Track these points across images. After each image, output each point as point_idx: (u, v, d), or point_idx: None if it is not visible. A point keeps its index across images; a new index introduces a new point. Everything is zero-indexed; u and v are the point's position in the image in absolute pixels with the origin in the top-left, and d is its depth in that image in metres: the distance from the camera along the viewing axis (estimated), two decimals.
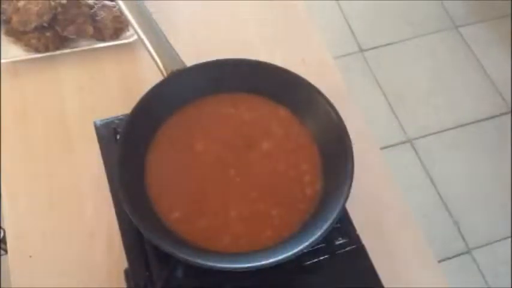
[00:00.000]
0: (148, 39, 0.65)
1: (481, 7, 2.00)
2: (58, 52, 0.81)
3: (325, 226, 0.55)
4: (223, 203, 0.60)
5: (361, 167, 0.60)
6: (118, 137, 0.67)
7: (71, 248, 0.68)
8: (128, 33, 0.84)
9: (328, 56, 0.89)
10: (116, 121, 0.69)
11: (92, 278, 0.66)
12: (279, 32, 0.91)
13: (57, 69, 0.82)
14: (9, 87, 0.80)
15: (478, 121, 1.75)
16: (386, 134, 1.71)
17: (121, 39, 0.84)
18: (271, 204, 0.61)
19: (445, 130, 1.73)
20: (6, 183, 0.72)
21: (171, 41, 0.66)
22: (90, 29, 0.82)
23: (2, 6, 0.81)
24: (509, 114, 1.77)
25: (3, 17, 0.82)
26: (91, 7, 0.83)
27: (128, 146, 0.60)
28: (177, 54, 0.66)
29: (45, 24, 0.80)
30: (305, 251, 0.53)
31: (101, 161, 0.67)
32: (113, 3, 0.84)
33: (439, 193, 1.61)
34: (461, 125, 1.74)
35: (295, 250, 0.53)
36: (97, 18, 0.83)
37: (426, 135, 1.71)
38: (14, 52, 0.80)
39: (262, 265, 0.53)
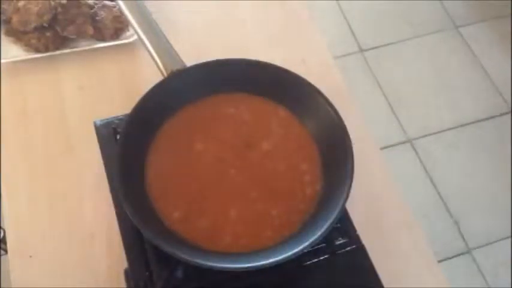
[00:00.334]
0: (148, 39, 0.65)
1: (481, 7, 2.00)
2: (58, 52, 0.81)
3: (325, 226, 0.55)
4: (223, 203, 0.60)
5: (361, 167, 0.60)
6: (118, 137, 0.67)
7: (71, 248, 0.68)
8: (128, 33, 0.84)
9: (328, 56, 0.89)
10: (116, 121, 0.69)
11: (92, 278, 0.66)
12: (279, 32, 0.91)
13: (57, 69, 0.82)
14: (9, 87, 0.80)
15: (478, 121, 1.75)
16: (386, 134, 1.71)
17: (121, 39, 0.84)
18: (271, 204, 0.61)
19: (445, 130, 1.73)
20: (6, 183, 0.72)
21: (171, 41, 0.66)
22: (90, 29, 0.82)
23: (2, 6, 0.81)
24: (509, 114, 1.77)
25: (3, 17, 0.82)
26: (91, 7, 0.83)
27: (128, 146, 0.60)
28: (177, 54, 0.66)
29: (45, 24, 0.80)
30: (305, 251, 0.53)
31: (101, 161, 0.67)
32: (113, 3, 0.84)
33: (439, 193, 1.61)
34: (461, 125, 1.74)
35: (295, 250, 0.53)
36: (97, 18, 0.83)
37: (426, 135, 1.71)
38: (14, 52, 0.80)
39: (262, 265, 0.53)
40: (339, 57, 1.81)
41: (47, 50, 0.81)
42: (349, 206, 0.62)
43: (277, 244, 0.57)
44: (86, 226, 0.70)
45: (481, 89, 1.82)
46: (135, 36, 0.80)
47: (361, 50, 1.87)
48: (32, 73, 0.82)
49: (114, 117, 0.70)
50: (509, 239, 1.54)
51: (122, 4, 0.66)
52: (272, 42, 0.89)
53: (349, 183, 0.57)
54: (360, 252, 0.62)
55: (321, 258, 0.61)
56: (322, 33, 0.92)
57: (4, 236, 0.71)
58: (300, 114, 0.66)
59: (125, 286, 0.62)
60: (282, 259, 0.53)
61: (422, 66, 1.85)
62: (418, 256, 0.72)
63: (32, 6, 0.79)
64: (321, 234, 0.54)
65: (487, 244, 1.54)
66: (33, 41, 0.80)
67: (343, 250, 0.62)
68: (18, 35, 0.81)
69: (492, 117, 1.77)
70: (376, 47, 1.88)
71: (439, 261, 1.42)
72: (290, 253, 0.53)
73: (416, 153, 1.68)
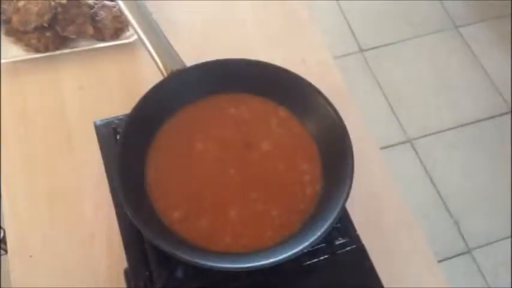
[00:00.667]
0: (148, 39, 0.65)
1: (481, 7, 2.00)
2: (58, 52, 0.81)
3: (325, 226, 0.55)
4: (223, 203, 0.60)
5: (361, 167, 0.60)
6: (118, 137, 0.67)
7: (71, 248, 0.68)
8: (128, 33, 0.84)
9: (328, 56, 0.89)
10: (116, 121, 0.69)
11: (92, 278, 0.66)
12: (279, 32, 0.91)
13: (57, 69, 0.82)
14: (9, 87, 0.80)
15: (478, 121, 1.75)
16: (386, 134, 1.71)
17: (121, 39, 0.84)
18: (271, 204, 0.61)
19: (445, 130, 1.73)
20: (6, 183, 0.72)
21: (171, 41, 0.66)
22: (90, 29, 0.82)
23: (2, 6, 0.81)
24: (509, 114, 1.77)
25: (3, 17, 0.82)
26: (91, 7, 0.83)
27: (127, 146, 0.60)
28: (177, 54, 0.66)
29: (45, 24, 0.80)
30: (305, 251, 0.53)
31: (101, 161, 0.67)
32: (113, 3, 0.84)
33: (439, 193, 1.61)
34: (461, 125, 1.74)
35: (295, 250, 0.53)
36: (97, 18, 0.83)
37: (426, 135, 1.71)
38: (14, 52, 0.80)
39: (262, 265, 0.53)
40: (339, 57, 1.81)
41: (47, 50, 0.81)
42: (349, 206, 0.62)
43: (277, 244, 0.57)
44: (86, 226, 0.70)
45: (481, 89, 1.82)
46: (135, 36, 0.80)
47: (361, 50, 1.87)
48: (32, 73, 0.82)
49: (114, 117, 0.70)
50: (509, 239, 1.54)
51: (121, 4, 0.66)
52: (272, 42, 0.89)
53: (349, 183, 0.57)
54: (360, 252, 0.62)
55: (321, 258, 0.61)
56: (322, 33, 0.92)
57: (4, 236, 0.71)
58: (300, 114, 0.66)
59: (125, 286, 0.62)
60: (282, 259, 0.53)
61: (422, 66, 1.85)
62: (418, 256, 0.72)
63: (32, 6, 0.79)
64: (321, 234, 0.54)
65: (487, 244, 1.54)
66: (33, 41, 0.80)
67: (343, 250, 0.62)
68: (18, 35, 0.81)
69: (492, 117, 1.77)
70: (376, 47, 1.88)
71: (439, 261, 1.42)
72: (290, 253, 0.53)
73: (416, 153, 1.68)
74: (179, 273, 0.58)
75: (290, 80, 0.66)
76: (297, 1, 0.93)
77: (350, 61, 1.84)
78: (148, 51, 0.65)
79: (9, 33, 0.81)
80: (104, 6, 0.84)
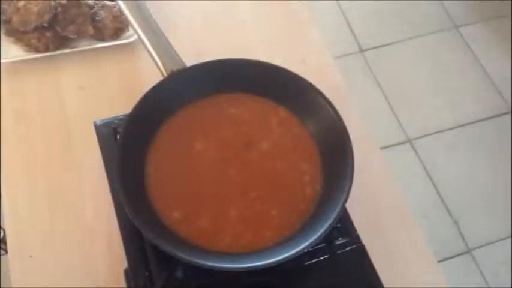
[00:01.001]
0: (148, 39, 0.65)
1: (481, 7, 2.00)
2: (58, 52, 0.81)
3: (325, 226, 0.55)
4: (223, 203, 0.60)
5: (361, 167, 0.60)
6: (118, 137, 0.67)
7: (71, 248, 0.68)
8: (127, 33, 0.84)
9: (328, 56, 0.89)
10: (116, 121, 0.69)
11: (91, 278, 0.66)
12: (279, 32, 0.91)
13: (57, 69, 0.82)
14: (9, 87, 0.80)
15: (478, 121, 1.75)
16: (387, 134, 1.71)
17: (121, 39, 0.84)
18: (271, 204, 0.61)
19: (445, 130, 1.73)
20: (6, 183, 0.72)
21: (171, 41, 0.66)
22: (90, 29, 0.82)
23: (2, 6, 0.81)
24: (509, 114, 1.77)
25: (3, 17, 0.82)
26: (91, 7, 0.83)
27: (127, 146, 0.60)
28: (177, 54, 0.66)
29: (45, 24, 0.80)
30: (305, 251, 0.53)
31: (101, 161, 0.67)
32: (113, 3, 0.84)
33: (439, 193, 1.61)
34: (461, 125, 1.74)
35: (295, 250, 0.53)
36: (97, 18, 0.83)
37: (426, 135, 1.71)
38: (14, 52, 0.80)
39: (262, 265, 0.53)
40: (339, 57, 1.81)
41: (47, 50, 0.81)
42: (349, 206, 0.62)
43: (277, 244, 0.57)
44: (86, 226, 0.70)
45: (481, 89, 1.82)
46: (135, 36, 0.80)
47: (361, 50, 1.87)
48: (32, 73, 0.82)
49: (114, 117, 0.70)
50: (509, 239, 1.54)
51: (121, 4, 0.66)
52: (272, 42, 0.89)
53: (349, 183, 0.57)
54: (360, 252, 0.62)
55: (321, 258, 0.61)
56: (322, 33, 0.92)
57: (4, 236, 0.71)
58: (300, 114, 0.66)
59: (125, 286, 0.62)
60: (282, 259, 0.53)
61: (422, 66, 1.85)
62: (418, 256, 0.72)
63: (32, 6, 0.79)
64: (321, 234, 0.54)
65: (487, 244, 1.54)
66: (33, 41, 0.80)
67: (343, 250, 0.62)
68: (18, 35, 0.81)
69: (492, 117, 1.77)
70: (376, 47, 1.88)
71: (439, 261, 1.42)
72: (290, 253, 0.53)
73: (416, 153, 1.68)
74: (179, 273, 0.58)
75: (290, 80, 0.66)
76: (297, 1, 0.93)
77: (350, 61, 1.84)
78: (148, 51, 0.65)
79: (9, 33, 0.81)
80: (104, 6, 0.84)
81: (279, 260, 0.52)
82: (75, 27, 0.81)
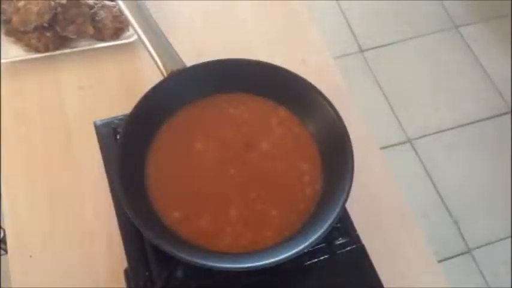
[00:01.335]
0: (148, 39, 0.65)
1: (481, 7, 2.00)
2: (58, 52, 0.81)
3: (326, 226, 0.55)
4: (223, 203, 0.60)
5: (361, 167, 0.60)
6: (118, 137, 0.67)
7: (71, 248, 0.68)
8: (127, 33, 0.84)
9: (328, 56, 0.89)
10: (116, 121, 0.69)
11: (91, 278, 0.66)
12: (279, 32, 0.91)
13: (57, 69, 0.82)
14: (9, 87, 0.80)
15: (478, 121, 1.75)
16: (387, 134, 1.71)
17: (121, 39, 0.84)
18: (271, 204, 0.61)
19: (445, 130, 1.73)
20: (6, 183, 0.72)
21: (171, 41, 0.66)
22: (90, 29, 0.82)
23: (2, 6, 0.81)
24: (509, 114, 1.77)
25: (3, 17, 0.82)
26: (91, 7, 0.83)
27: (127, 146, 0.60)
28: (177, 54, 0.66)
29: (45, 24, 0.80)
30: (305, 251, 0.53)
31: (101, 161, 0.67)
32: (113, 3, 0.84)
33: (439, 193, 1.61)
34: (461, 125, 1.74)
35: (295, 250, 0.53)
36: (97, 18, 0.83)
37: (426, 135, 1.71)
38: (14, 52, 0.80)
39: (262, 265, 0.52)
40: (339, 57, 1.81)
41: (47, 50, 0.81)
42: (349, 206, 0.62)
43: (277, 244, 0.57)
44: (86, 226, 0.70)
45: (481, 89, 1.82)
46: (135, 36, 0.80)
47: (361, 50, 1.87)
48: (32, 73, 0.82)
49: (114, 117, 0.70)
50: (509, 239, 1.54)
51: (121, 4, 0.66)
52: (272, 42, 0.89)
53: (349, 183, 0.57)
54: (360, 252, 0.62)
55: (321, 258, 0.61)
56: (322, 33, 0.92)
57: (4, 236, 0.71)
58: (300, 114, 0.66)
59: (125, 286, 0.62)
60: (282, 259, 0.53)
61: (422, 66, 1.85)
62: (418, 256, 0.72)
63: (32, 6, 0.79)
64: (320, 234, 0.54)
65: (487, 244, 1.54)
66: (33, 41, 0.80)
67: (343, 250, 0.62)
68: (18, 35, 0.81)
69: (492, 117, 1.77)
70: (376, 47, 1.88)
71: (439, 261, 1.42)
72: (290, 253, 0.53)
73: (416, 153, 1.68)
74: (179, 273, 0.58)
75: (290, 80, 0.66)
76: (297, 1, 0.93)
77: (350, 61, 1.84)
78: (148, 51, 0.65)
79: (9, 33, 0.81)
80: (104, 6, 0.84)
81: (279, 260, 0.52)
82: (75, 27, 0.81)
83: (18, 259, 0.68)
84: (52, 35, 0.81)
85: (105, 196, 0.65)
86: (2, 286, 1.15)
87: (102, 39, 0.83)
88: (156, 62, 0.65)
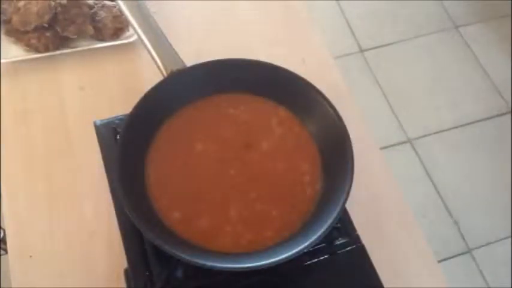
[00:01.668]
0: (148, 39, 0.65)
1: (481, 7, 2.00)
2: (58, 52, 0.81)
3: (326, 226, 0.55)
4: (223, 203, 0.60)
5: (361, 167, 0.60)
6: (118, 137, 0.67)
7: (71, 248, 0.68)
8: (127, 33, 0.84)
9: (328, 56, 0.88)
10: (116, 121, 0.70)
11: (92, 278, 0.66)
12: (279, 32, 0.91)
13: (57, 69, 0.82)
14: (9, 87, 0.80)
15: (478, 121, 1.75)
16: (387, 134, 1.71)
17: (121, 39, 0.84)
18: (271, 204, 0.61)
19: (445, 130, 1.73)
20: (6, 183, 0.72)
21: (171, 41, 0.66)
22: (90, 29, 0.82)
23: (2, 6, 0.81)
24: (509, 114, 1.77)
25: (3, 17, 0.82)
26: (91, 7, 0.83)
27: (127, 146, 0.60)
28: (177, 54, 0.66)
29: (45, 24, 0.80)
30: (305, 250, 0.53)
31: (101, 161, 0.67)
32: (113, 3, 0.84)
33: (439, 193, 1.61)
34: (461, 125, 1.74)
35: (296, 250, 0.53)
36: (97, 18, 0.83)
37: (426, 135, 1.71)
38: (14, 52, 0.80)
39: (262, 265, 0.52)
40: (339, 57, 1.81)
41: (47, 50, 0.81)
42: (349, 206, 0.62)
43: (277, 244, 0.57)
44: (85, 226, 0.70)
45: (481, 89, 1.82)
46: (135, 36, 0.80)
47: (361, 50, 1.87)
48: (32, 73, 0.82)
49: (114, 117, 0.70)
50: (509, 239, 1.54)
51: (121, 4, 0.66)
52: (272, 42, 0.89)
53: (349, 183, 0.57)
54: (360, 252, 0.62)
55: (321, 258, 0.61)
56: (322, 33, 0.92)
57: (4, 236, 0.71)
58: (300, 114, 0.66)
59: (125, 286, 0.62)
60: (282, 259, 0.53)
61: (422, 66, 1.85)
62: (418, 256, 0.72)
63: (32, 6, 0.79)
64: (321, 234, 0.54)
65: (487, 244, 1.54)
66: (33, 41, 0.80)
67: (343, 250, 0.62)
68: (18, 35, 0.81)
69: (492, 117, 1.77)
70: (376, 47, 1.88)
71: (439, 261, 1.42)
72: (290, 253, 0.53)
73: (416, 153, 1.68)
74: (179, 273, 0.58)
75: (290, 80, 0.66)
76: (297, 1, 0.93)
77: (350, 61, 1.84)
78: (148, 51, 0.65)
79: (9, 33, 0.81)
80: (104, 6, 0.84)
81: (279, 260, 0.52)
82: (75, 27, 0.81)
83: (18, 259, 0.68)
84: (52, 35, 0.81)
85: (105, 196, 0.65)
86: (2, 286, 1.15)
87: (102, 39, 0.83)
88: (156, 62, 0.65)
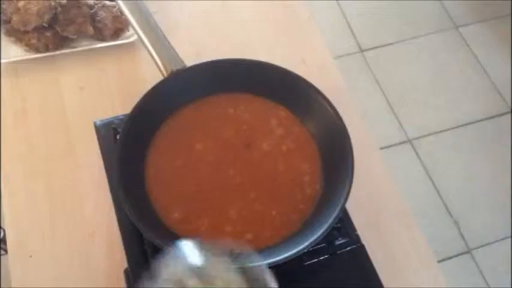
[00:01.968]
0: (148, 39, 0.65)
1: (481, 7, 2.00)
2: (58, 52, 0.81)
3: (326, 226, 0.55)
4: (223, 203, 0.60)
5: (361, 167, 0.60)
6: (118, 137, 0.67)
7: (71, 248, 0.68)
8: (127, 33, 0.84)
9: (328, 56, 0.88)
10: (116, 121, 0.70)
11: (92, 278, 0.66)
12: (279, 32, 0.91)
13: (57, 69, 0.82)
14: (9, 87, 0.80)
15: (478, 121, 1.75)
16: (387, 134, 1.71)
17: (121, 39, 0.84)
18: (271, 204, 0.61)
19: (445, 130, 1.73)
20: (6, 183, 0.72)
21: (171, 41, 0.66)
22: (90, 29, 0.82)
23: (2, 6, 0.81)
24: (509, 114, 1.77)
25: (3, 17, 0.82)
26: (91, 7, 0.83)
27: (127, 146, 0.60)
28: (177, 54, 0.66)
29: (45, 24, 0.80)
30: (305, 250, 0.53)
31: (101, 161, 0.67)
32: (113, 3, 0.84)
33: (439, 193, 1.61)
34: (461, 125, 1.74)
35: (296, 250, 0.53)
36: (97, 18, 0.83)
37: (426, 135, 1.71)
38: (14, 52, 0.80)
39: (262, 265, 0.52)
40: (339, 57, 1.81)
41: (47, 50, 0.81)
42: (349, 206, 0.62)
43: (277, 244, 0.57)
44: (86, 226, 0.70)
45: (481, 89, 1.82)
46: (135, 36, 0.80)
47: (361, 50, 1.87)
48: (32, 73, 0.82)
49: (114, 117, 0.70)
50: (509, 239, 1.54)
51: (121, 4, 0.66)
52: (272, 42, 0.89)
53: (349, 183, 0.57)
54: (360, 252, 0.62)
55: (321, 258, 0.61)
56: (322, 33, 0.92)
57: (4, 236, 0.71)
58: (300, 114, 0.66)
59: (125, 286, 0.62)
60: (282, 259, 0.53)
61: (422, 66, 1.85)
62: (418, 256, 0.71)
63: (32, 6, 0.79)
64: (321, 234, 0.54)
65: (487, 244, 1.54)
66: (33, 41, 0.80)
67: (343, 250, 0.62)
68: (18, 35, 0.81)
69: (492, 117, 1.77)
70: (376, 47, 1.88)
71: (439, 261, 1.42)
72: (290, 253, 0.53)
73: (416, 153, 1.68)
74: None
75: (290, 80, 0.66)
76: (297, 1, 0.93)
77: (350, 61, 1.84)
78: (148, 51, 0.65)
79: (9, 33, 0.81)
80: (104, 6, 0.84)
81: (279, 260, 0.53)
82: (75, 27, 0.81)
83: (18, 259, 0.68)
84: (52, 35, 0.81)
85: (105, 196, 0.65)
86: (2, 286, 1.15)
87: (102, 39, 0.83)
88: (156, 62, 0.65)
